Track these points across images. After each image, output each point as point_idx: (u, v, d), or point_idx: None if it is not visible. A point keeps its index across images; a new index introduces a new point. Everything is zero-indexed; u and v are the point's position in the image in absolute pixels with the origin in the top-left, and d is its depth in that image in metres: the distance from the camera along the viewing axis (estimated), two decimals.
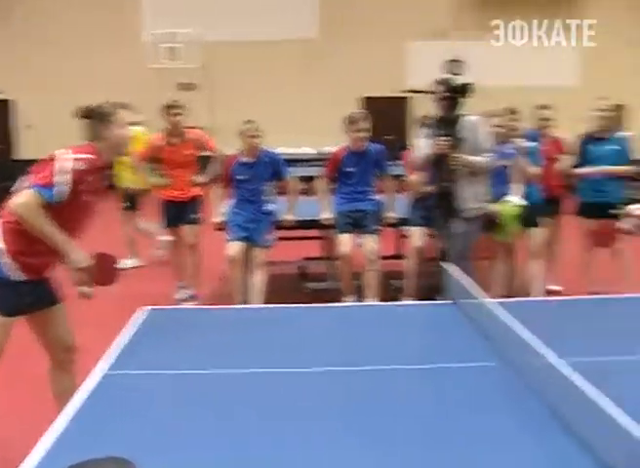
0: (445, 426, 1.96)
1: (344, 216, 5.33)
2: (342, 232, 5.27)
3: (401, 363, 2.48)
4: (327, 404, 2.14)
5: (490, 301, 2.72)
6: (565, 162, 5.96)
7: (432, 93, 4.65)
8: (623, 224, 3.33)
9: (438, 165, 4.61)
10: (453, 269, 3.27)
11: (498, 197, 5.06)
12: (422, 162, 4.80)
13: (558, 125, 6.07)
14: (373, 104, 12.82)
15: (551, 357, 2.05)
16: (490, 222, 5.04)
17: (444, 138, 4.50)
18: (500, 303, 2.74)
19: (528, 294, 5.32)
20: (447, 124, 4.57)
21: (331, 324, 3.12)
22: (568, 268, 6.16)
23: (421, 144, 4.82)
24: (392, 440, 1.86)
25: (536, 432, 1.89)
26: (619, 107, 5.84)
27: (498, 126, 5.25)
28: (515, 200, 5.11)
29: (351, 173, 5.36)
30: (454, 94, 4.48)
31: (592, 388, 1.78)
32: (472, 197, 4.65)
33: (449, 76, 4.49)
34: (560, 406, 1.94)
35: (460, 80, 4.48)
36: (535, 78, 14.97)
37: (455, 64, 4.45)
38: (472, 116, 4.71)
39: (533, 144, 5.49)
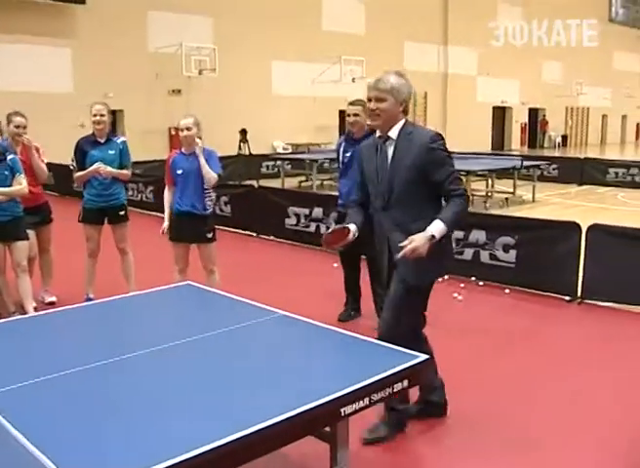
0: None
1: None
2: None
3: None
4: None
5: None
6: (42, 168, 5.71)
7: None
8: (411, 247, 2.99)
9: None
10: None
11: None
12: None
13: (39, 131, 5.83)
14: None
15: None
16: None
17: None
18: None
19: (24, 311, 5.00)
20: None
21: None
22: (71, 275, 6.04)
23: None
24: None
25: None
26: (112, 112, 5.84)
27: None
28: None
29: None
30: None
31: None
32: None
33: None
34: None
35: None
36: (29, 84, 14.47)
37: None
38: None
39: (11, 156, 5.09)
